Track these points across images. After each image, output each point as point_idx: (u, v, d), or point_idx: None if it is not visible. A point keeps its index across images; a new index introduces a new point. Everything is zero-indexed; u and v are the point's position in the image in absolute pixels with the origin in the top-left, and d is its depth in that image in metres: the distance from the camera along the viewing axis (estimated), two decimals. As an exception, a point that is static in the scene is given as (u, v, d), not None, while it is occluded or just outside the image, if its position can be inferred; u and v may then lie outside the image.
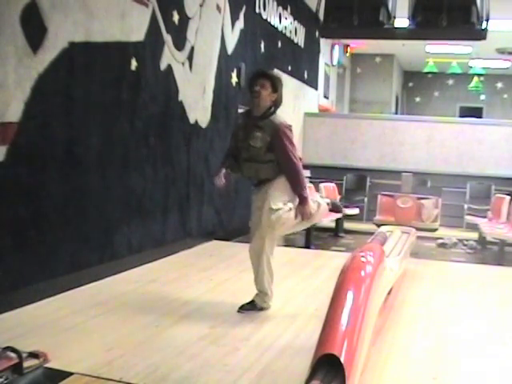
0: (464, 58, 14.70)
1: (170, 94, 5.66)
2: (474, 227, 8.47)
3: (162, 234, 5.70)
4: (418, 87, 18.43)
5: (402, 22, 6.93)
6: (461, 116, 16.49)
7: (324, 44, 12.02)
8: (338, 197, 9.20)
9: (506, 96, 17.55)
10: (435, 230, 8.15)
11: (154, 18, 5.21)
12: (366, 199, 9.96)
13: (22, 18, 3.64)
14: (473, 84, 16.29)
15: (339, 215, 7.80)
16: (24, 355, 2.77)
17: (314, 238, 7.67)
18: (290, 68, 9.55)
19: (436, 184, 9.58)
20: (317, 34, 10.55)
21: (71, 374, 2.81)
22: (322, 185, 8.65)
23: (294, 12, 9.54)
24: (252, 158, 3.86)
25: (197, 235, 6.42)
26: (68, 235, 4.27)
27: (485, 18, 6.51)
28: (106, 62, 4.61)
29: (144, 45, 5.09)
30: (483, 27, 6.55)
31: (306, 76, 10.69)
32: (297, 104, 10.22)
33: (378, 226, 7.07)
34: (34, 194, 3.91)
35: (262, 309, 3.99)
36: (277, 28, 8.73)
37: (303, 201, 3.82)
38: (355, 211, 9.11)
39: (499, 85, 17.51)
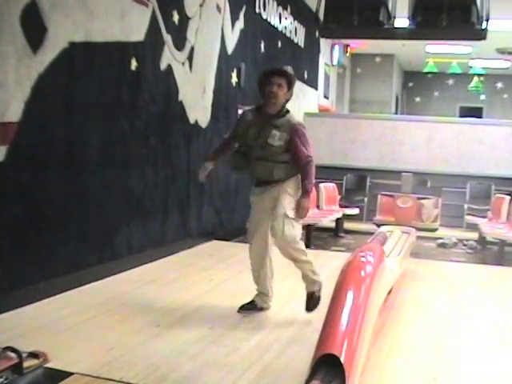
0: (464, 58, 14.70)
1: (169, 94, 5.66)
2: (473, 227, 8.46)
3: (162, 234, 5.69)
4: (418, 87, 18.43)
5: (402, 21, 6.92)
6: (461, 116, 16.49)
7: (324, 44, 12.02)
8: (338, 197, 9.20)
9: (505, 96, 17.55)
10: (435, 230, 8.15)
11: (154, 18, 5.21)
12: (366, 199, 9.95)
13: (21, 18, 3.64)
14: (473, 84, 16.28)
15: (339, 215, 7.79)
16: (24, 355, 2.76)
17: (314, 237, 7.66)
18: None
19: (436, 184, 9.57)
20: (317, 33, 10.54)
21: (71, 374, 2.82)
22: (321, 185, 8.64)
23: (294, 12, 9.54)
24: (267, 157, 3.78)
25: (197, 235, 6.42)
26: (68, 235, 4.27)
27: (485, 17, 6.50)
28: (106, 61, 4.61)
29: (144, 45, 5.09)
30: (483, 27, 6.54)
31: (306, 76, 10.69)
32: (297, 104, 10.22)
33: (378, 225, 7.06)
34: (34, 194, 3.91)
35: (262, 309, 3.98)
36: (277, 28, 8.72)
37: (307, 194, 3.81)
38: (355, 211, 9.11)
39: (499, 85, 17.50)
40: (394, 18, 6.90)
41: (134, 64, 4.96)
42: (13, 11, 3.60)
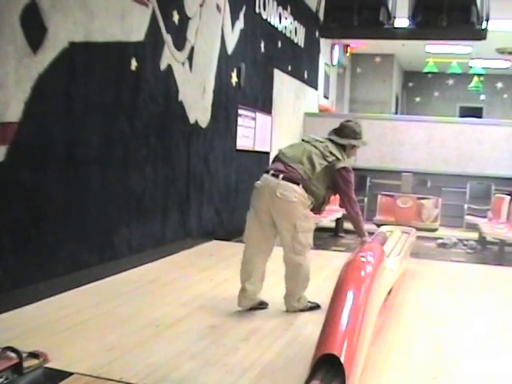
0: (464, 58, 14.70)
1: (170, 94, 5.66)
2: (473, 227, 8.47)
3: (162, 234, 5.70)
4: (418, 87, 18.42)
5: (401, 21, 6.92)
6: (461, 116, 16.48)
7: (324, 44, 12.01)
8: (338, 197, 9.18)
9: (505, 96, 17.54)
10: (435, 230, 8.16)
11: (154, 18, 5.21)
12: (366, 199, 9.95)
13: (22, 18, 3.65)
14: (473, 84, 16.29)
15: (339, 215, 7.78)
16: (24, 355, 2.76)
17: (313, 237, 7.65)
18: (289, 68, 9.55)
19: (436, 184, 9.57)
20: (317, 33, 10.54)
21: (71, 374, 2.81)
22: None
23: (294, 12, 9.54)
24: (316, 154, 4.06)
25: (197, 235, 6.42)
26: (68, 235, 4.27)
27: (485, 17, 6.49)
28: (106, 61, 4.61)
29: (144, 45, 5.09)
30: (483, 27, 6.53)
31: (306, 76, 10.69)
32: (297, 104, 10.22)
33: (378, 225, 7.07)
34: (34, 194, 3.91)
35: (307, 309, 4.02)
36: (277, 28, 8.72)
37: None
38: (355, 211, 9.09)
39: (499, 85, 17.50)
40: (394, 17, 6.89)
41: (133, 64, 4.96)
42: (13, 11, 3.60)
